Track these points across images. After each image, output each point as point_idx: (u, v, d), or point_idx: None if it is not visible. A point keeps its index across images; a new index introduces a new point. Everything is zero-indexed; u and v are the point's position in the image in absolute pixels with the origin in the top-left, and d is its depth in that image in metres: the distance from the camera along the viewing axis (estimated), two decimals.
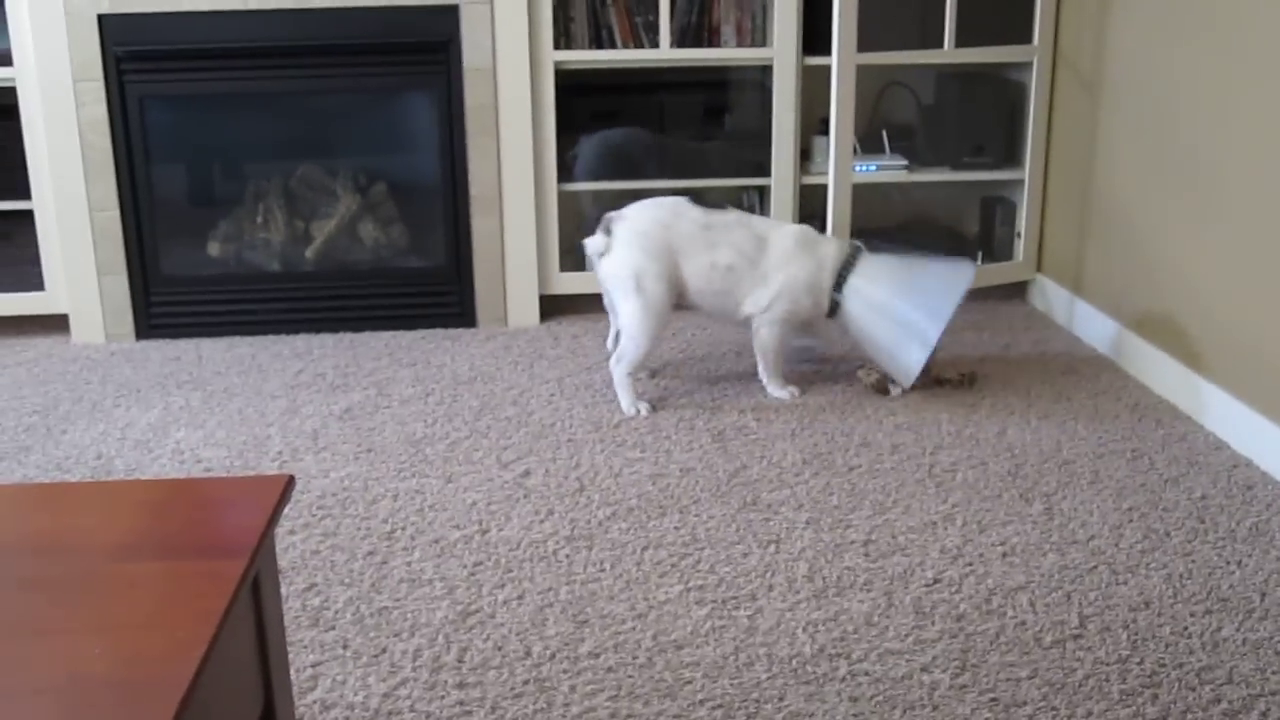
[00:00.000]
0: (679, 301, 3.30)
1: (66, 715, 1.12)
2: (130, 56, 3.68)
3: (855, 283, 3.28)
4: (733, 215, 3.32)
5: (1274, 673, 2.11)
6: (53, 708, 1.13)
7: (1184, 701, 2.04)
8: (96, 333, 3.87)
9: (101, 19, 3.64)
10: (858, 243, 3.36)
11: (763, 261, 3.27)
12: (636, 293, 3.21)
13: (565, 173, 3.96)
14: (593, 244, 3.27)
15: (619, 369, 3.28)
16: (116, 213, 3.78)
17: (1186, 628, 2.25)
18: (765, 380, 3.37)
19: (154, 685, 1.15)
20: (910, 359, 3.24)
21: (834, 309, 3.32)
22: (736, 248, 3.26)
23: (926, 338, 3.21)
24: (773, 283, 3.27)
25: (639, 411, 3.25)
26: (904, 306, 3.24)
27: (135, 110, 3.73)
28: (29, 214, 3.82)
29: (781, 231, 3.31)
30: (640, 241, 3.23)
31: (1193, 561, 2.48)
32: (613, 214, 3.28)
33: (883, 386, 3.34)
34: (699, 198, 4.14)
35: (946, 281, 3.26)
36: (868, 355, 3.35)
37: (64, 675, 1.17)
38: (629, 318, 3.24)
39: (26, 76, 3.68)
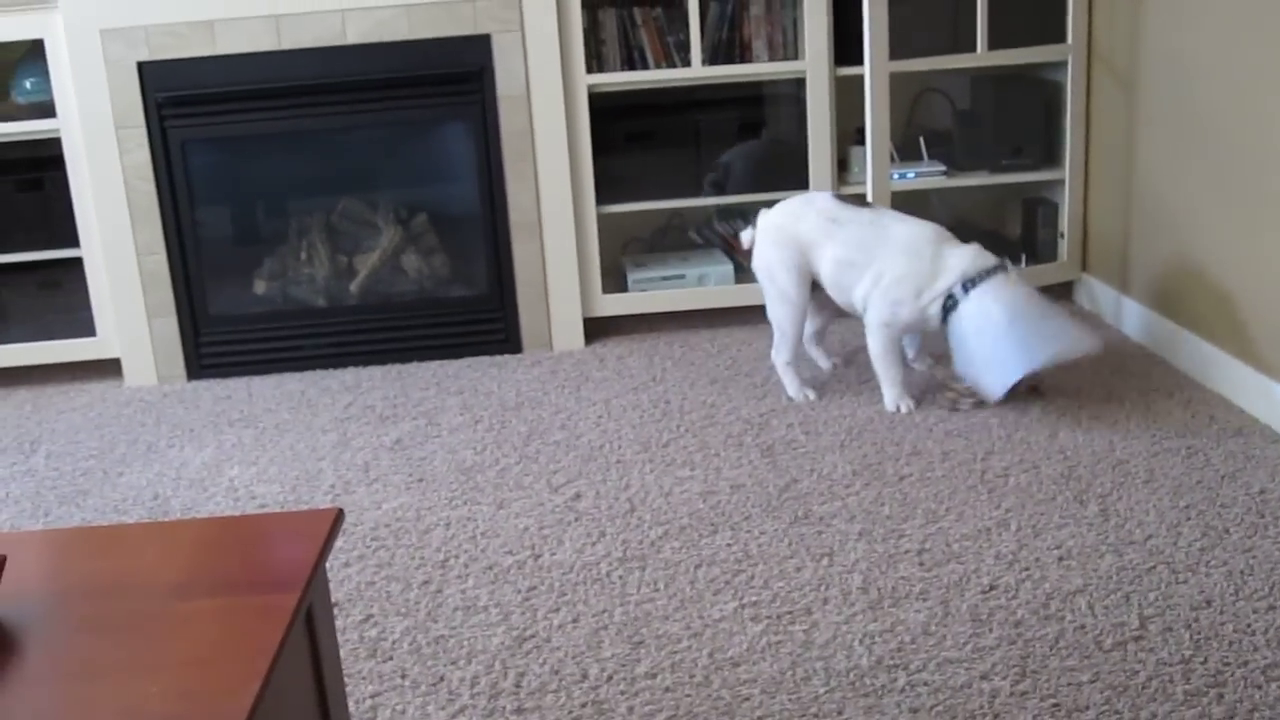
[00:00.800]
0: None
1: None
2: (170, 102, 3.74)
3: (979, 295, 3.14)
4: (867, 211, 3.32)
5: None
6: None
7: (1250, 700, 2.01)
8: (149, 375, 3.92)
9: (141, 66, 3.69)
10: (1003, 260, 3.24)
11: (879, 257, 3.24)
12: (770, 282, 3.40)
13: (608, 194, 3.97)
14: (745, 238, 3.46)
15: (777, 358, 3.43)
16: (164, 255, 3.84)
17: (1250, 625, 2.22)
18: (881, 388, 3.34)
19: None
20: (997, 379, 3.11)
21: (946, 315, 3.20)
22: (856, 242, 3.26)
23: (1020, 366, 3.08)
24: (879, 278, 3.24)
25: (806, 397, 3.39)
26: (1015, 332, 3.10)
27: (178, 154, 3.78)
28: (78, 261, 3.88)
29: (907, 228, 3.26)
30: (770, 234, 3.40)
31: (1254, 557, 2.45)
32: (763, 209, 3.41)
33: (954, 404, 3.29)
34: (740, 212, 4.15)
35: (1067, 334, 3.15)
36: (957, 368, 3.24)
37: (123, 715, 1.19)
38: (770, 306, 3.43)
39: (70, 125, 3.74)
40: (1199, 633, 2.21)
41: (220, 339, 3.93)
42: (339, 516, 1.54)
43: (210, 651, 1.28)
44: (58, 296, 4.18)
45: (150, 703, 1.20)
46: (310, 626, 1.49)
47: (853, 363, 3.65)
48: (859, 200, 3.42)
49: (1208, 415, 3.13)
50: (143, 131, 3.74)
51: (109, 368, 3.99)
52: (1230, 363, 3.21)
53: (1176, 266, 3.48)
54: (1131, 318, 3.74)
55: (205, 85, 3.73)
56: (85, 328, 3.93)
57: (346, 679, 2.22)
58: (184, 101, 3.75)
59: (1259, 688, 2.04)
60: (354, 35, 3.72)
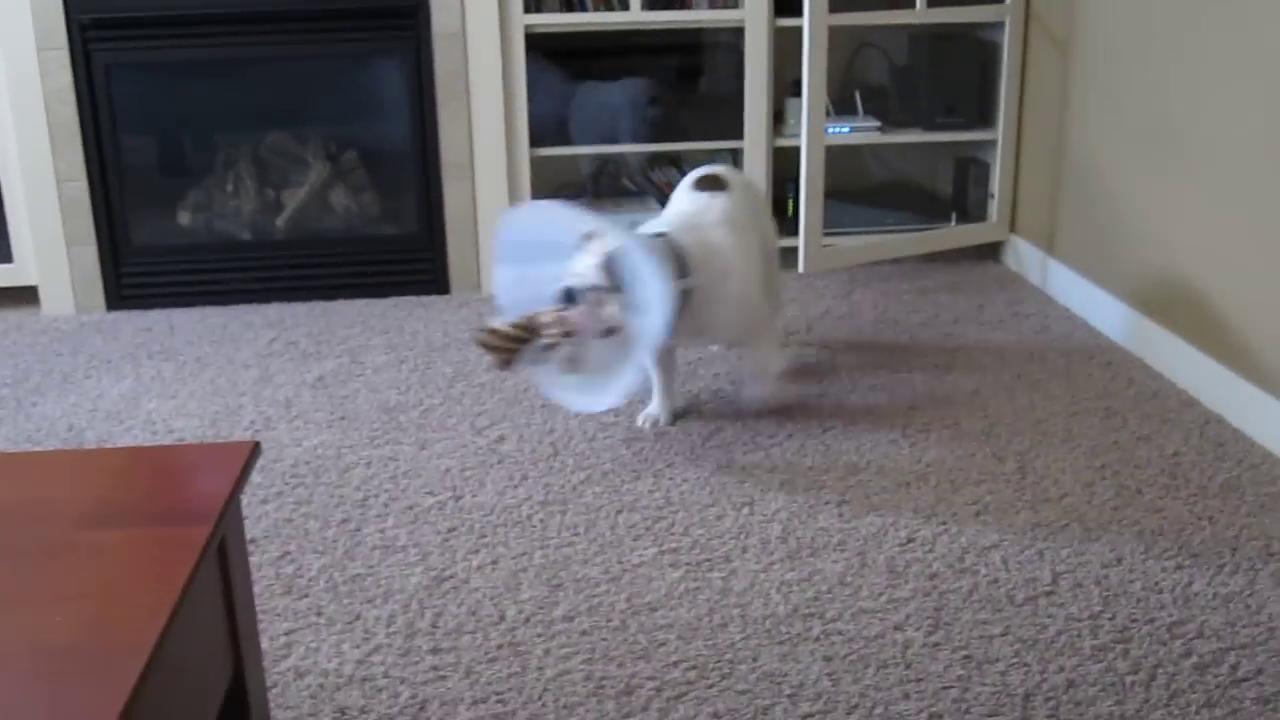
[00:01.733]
0: None
1: (30, 683, 1.11)
2: (95, 24, 3.64)
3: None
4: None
5: (1244, 626, 2.12)
6: (16, 676, 1.12)
7: (1155, 656, 2.05)
8: (66, 304, 3.84)
9: None
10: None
11: None
12: None
13: (542, 137, 3.93)
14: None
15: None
16: (84, 183, 3.75)
17: (1158, 583, 2.26)
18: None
19: (118, 652, 1.14)
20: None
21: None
22: None
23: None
24: None
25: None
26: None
27: (101, 78, 3.69)
28: None
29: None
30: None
31: (1164, 518, 2.49)
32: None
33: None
34: (674, 160, 4.14)
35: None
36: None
37: (28, 644, 1.17)
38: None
39: None
40: (1108, 590, 2.25)
41: (141, 269, 3.86)
42: (255, 449, 1.52)
43: (119, 582, 1.26)
44: None
45: (56, 632, 1.18)
46: (223, 560, 1.47)
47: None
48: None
49: (1127, 378, 3.18)
50: (65, 54, 3.64)
51: (25, 295, 3.91)
52: (1150, 327, 3.25)
53: (1103, 230, 3.52)
54: (1057, 280, 3.78)
55: (132, 8, 3.64)
56: (2, 254, 3.84)
57: (261, 616, 2.20)
58: (109, 24, 3.65)
59: (1164, 644, 2.08)
60: None
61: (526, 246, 2.71)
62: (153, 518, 1.39)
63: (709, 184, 2.97)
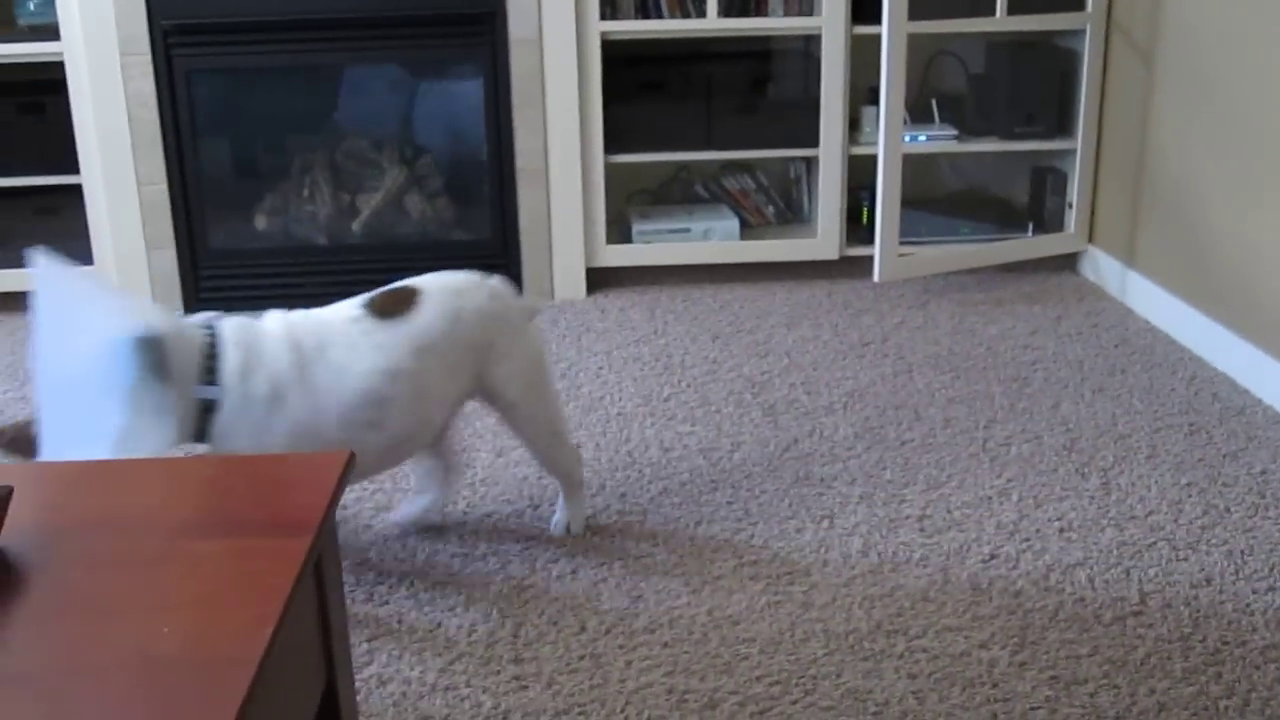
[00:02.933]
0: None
1: (139, 693, 1.12)
2: (177, 30, 3.68)
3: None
4: None
5: None
6: (125, 686, 1.13)
7: (1248, 680, 2.01)
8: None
9: None
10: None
11: None
12: None
13: (616, 143, 3.93)
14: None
15: None
16: (164, 187, 3.79)
17: (1249, 605, 2.22)
18: None
19: (224, 663, 1.14)
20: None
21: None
22: None
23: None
24: None
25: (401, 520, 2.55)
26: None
27: (182, 84, 3.73)
28: (77, 189, 3.84)
29: None
30: None
31: (1254, 538, 2.44)
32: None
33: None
34: (748, 167, 4.12)
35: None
36: None
37: (135, 653, 1.17)
38: None
39: (74, 51, 3.68)
40: (1198, 611, 2.21)
41: (219, 273, 3.90)
42: (350, 460, 1.52)
43: (222, 593, 1.26)
44: (55, 223, 4.14)
45: (162, 642, 1.18)
46: (318, 571, 1.47)
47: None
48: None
49: (1211, 393, 3.13)
50: (147, 59, 3.69)
51: None
52: (1236, 341, 3.20)
53: (1185, 242, 3.46)
54: (1137, 292, 3.72)
55: (213, 14, 3.68)
56: (83, 256, 3.89)
57: None
58: (191, 30, 3.69)
59: (1257, 668, 2.04)
60: None
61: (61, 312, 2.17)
62: (251, 528, 1.39)
63: (389, 305, 2.33)
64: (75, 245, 3.91)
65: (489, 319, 2.34)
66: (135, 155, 3.75)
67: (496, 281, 2.44)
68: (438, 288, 2.36)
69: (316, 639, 1.48)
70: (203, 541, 1.37)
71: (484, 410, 3.06)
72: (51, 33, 3.70)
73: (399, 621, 2.22)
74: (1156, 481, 2.68)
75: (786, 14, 3.91)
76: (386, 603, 2.28)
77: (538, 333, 2.45)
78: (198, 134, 3.80)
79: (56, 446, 2.09)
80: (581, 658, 2.10)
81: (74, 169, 3.80)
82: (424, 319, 2.29)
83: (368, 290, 3.89)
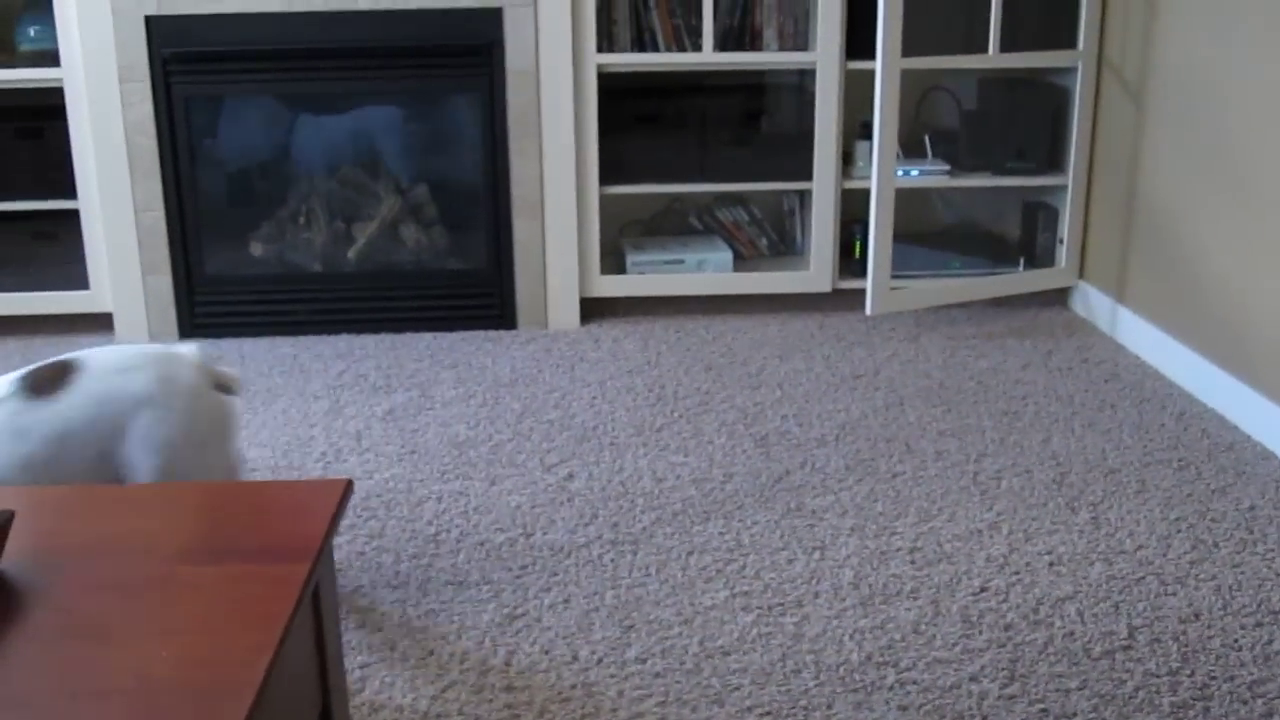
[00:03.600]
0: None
1: (137, 718, 1.13)
2: (176, 58, 3.70)
3: None
4: None
5: None
6: (123, 711, 1.14)
7: (1236, 715, 2.02)
8: (140, 332, 3.89)
9: (149, 20, 3.66)
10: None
11: None
12: None
13: (611, 175, 3.96)
14: None
15: None
16: (161, 213, 3.81)
17: (1237, 640, 2.24)
18: None
19: (223, 689, 1.15)
20: None
21: None
22: None
23: None
24: None
25: None
26: None
27: (181, 111, 3.75)
28: (75, 213, 3.85)
29: None
30: None
31: (1242, 573, 2.46)
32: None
33: None
34: (741, 200, 4.14)
35: None
36: None
37: (132, 678, 1.18)
38: None
39: (74, 76, 3.71)
40: (1186, 645, 2.22)
41: (214, 299, 3.91)
42: (348, 488, 1.54)
43: (221, 619, 1.28)
44: (52, 247, 4.16)
45: (161, 667, 1.19)
46: (315, 598, 1.49)
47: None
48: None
49: (1200, 429, 3.15)
50: (147, 86, 3.71)
51: (101, 322, 3.96)
52: (1224, 378, 3.22)
53: (1175, 279, 3.49)
54: (1127, 327, 3.75)
55: (212, 43, 3.71)
56: (79, 280, 3.90)
57: None
58: (190, 58, 3.71)
59: (1245, 703, 2.06)
60: (365, 1, 3.70)
61: None
62: (251, 554, 1.40)
63: (43, 382, 2.11)
64: (72, 270, 3.92)
65: (143, 403, 2.11)
66: (133, 181, 3.77)
67: (183, 354, 2.24)
68: (98, 365, 2.14)
69: (313, 665, 1.49)
70: (202, 567, 1.38)
71: (480, 439, 3.07)
72: (51, 59, 3.73)
73: (392, 649, 2.23)
74: (1145, 516, 2.69)
75: (781, 49, 3.95)
76: (380, 629, 2.29)
77: (217, 410, 2.22)
78: (195, 161, 3.82)
79: None
80: (574, 687, 2.11)
81: (72, 194, 3.82)
82: (70, 401, 2.09)
83: (362, 319, 3.93)
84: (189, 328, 3.91)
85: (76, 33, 3.66)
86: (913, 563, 2.51)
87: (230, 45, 3.71)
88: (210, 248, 3.91)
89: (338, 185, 4.07)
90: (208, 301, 3.91)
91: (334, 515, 1.47)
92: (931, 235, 4.34)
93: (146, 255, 3.83)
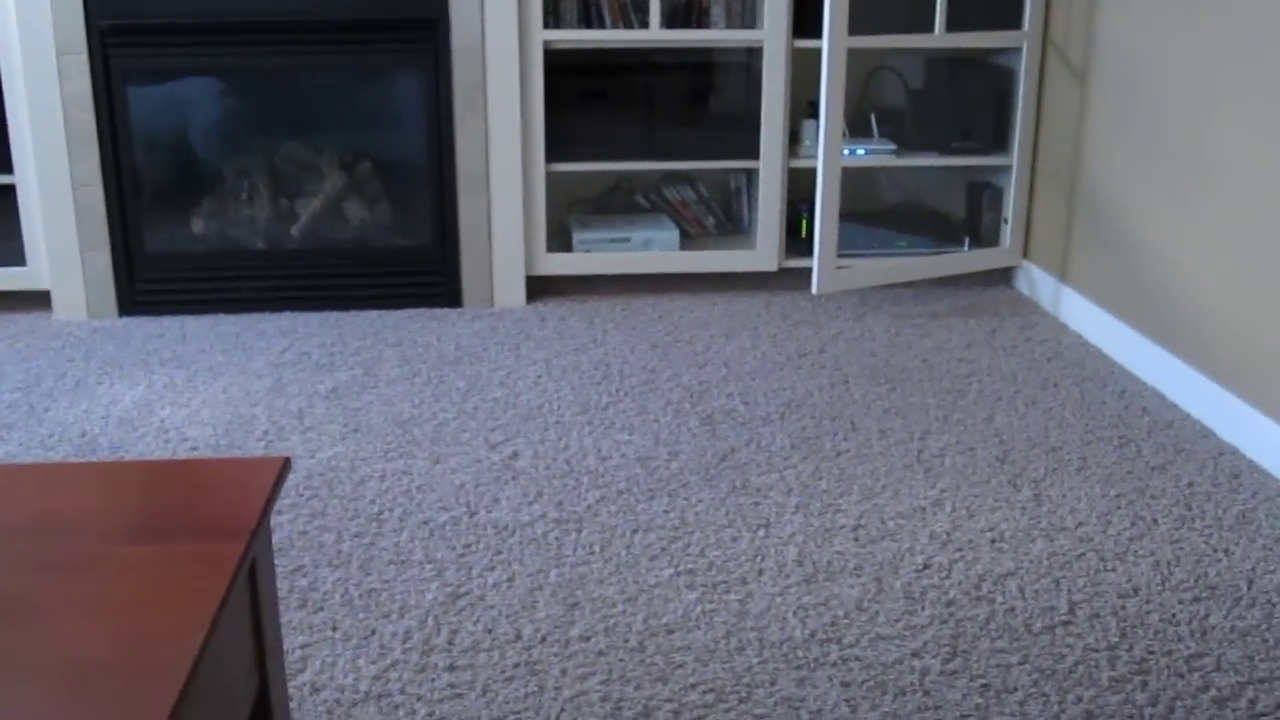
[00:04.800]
0: None
1: (66, 699, 1.11)
2: (115, 30, 3.64)
3: None
4: None
5: (1262, 660, 2.12)
6: (52, 691, 1.12)
7: (1173, 689, 2.05)
8: (79, 309, 3.83)
9: None
10: None
11: None
12: None
13: (557, 152, 3.93)
14: None
15: None
16: (100, 188, 3.75)
17: (1175, 615, 2.26)
18: None
19: (154, 669, 1.13)
20: None
21: None
22: None
23: None
24: None
25: None
26: None
27: (119, 85, 3.69)
28: (10, 189, 3.79)
29: None
30: None
31: (1180, 549, 2.49)
32: None
33: None
34: (689, 179, 4.14)
35: None
36: None
37: (63, 659, 1.16)
38: None
39: (9, 50, 3.64)
40: (1125, 620, 2.25)
41: (155, 276, 3.86)
42: (286, 465, 1.52)
43: (152, 598, 1.25)
44: None
45: (90, 648, 1.17)
46: (252, 577, 1.47)
47: (789, 338, 3.66)
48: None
49: (1140, 407, 3.18)
50: (84, 59, 3.65)
51: (38, 299, 3.90)
52: (1165, 356, 3.26)
53: (1116, 259, 3.52)
54: (1070, 306, 3.78)
55: (152, 16, 3.64)
56: (14, 257, 3.84)
57: None
58: (129, 30, 3.65)
59: (1181, 676, 2.08)
60: None
61: None
62: (185, 533, 1.38)
63: None
64: (7, 246, 3.85)
65: None
66: (70, 156, 3.71)
67: None
68: None
69: (249, 645, 1.47)
70: (136, 546, 1.36)
71: (424, 417, 3.05)
72: None
73: (333, 628, 2.21)
74: (1086, 493, 2.72)
75: (729, 26, 3.94)
76: (321, 609, 2.27)
77: None
78: (134, 136, 3.76)
79: None
80: (517, 665, 2.10)
81: (7, 169, 3.76)
82: None
83: (305, 296, 3.88)
84: (129, 305, 3.85)
85: (12, 4, 3.59)
86: (856, 540, 2.52)
87: (171, 18, 3.65)
88: (150, 224, 3.86)
89: (280, 161, 4.02)
90: (148, 279, 3.85)
91: (270, 493, 1.44)
92: (877, 214, 4.36)
93: (85, 232, 3.77)
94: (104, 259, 3.80)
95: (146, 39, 3.67)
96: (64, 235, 3.77)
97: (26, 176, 3.75)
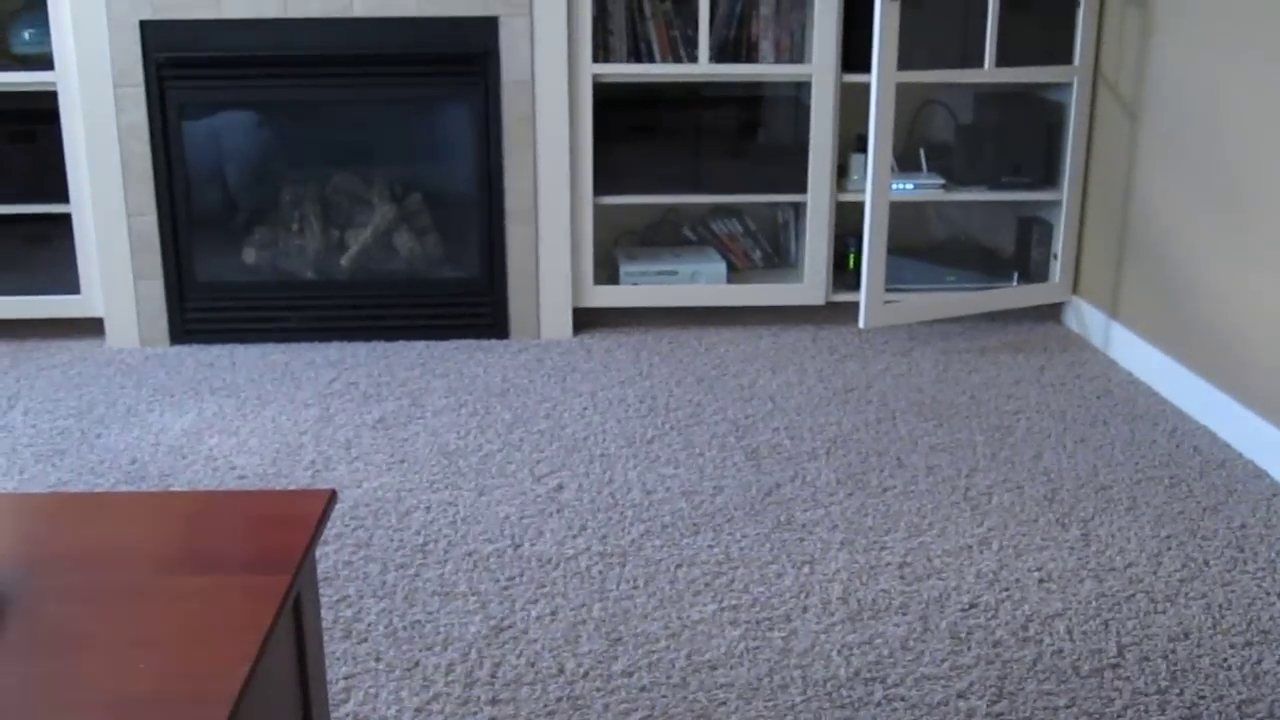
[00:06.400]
0: None
1: None
2: (171, 63, 3.70)
3: None
4: None
5: None
6: None
7: None
8: (131, 337, 3.88)
9: (144, 25, 3.65)
10: None
11: None
12: None
13: (605, 185, 3.95)
14: None
15: None
16: (154, 218, 3.80)
17: (1226, 660, 2.23)
18: None
19: (199, 702, 1.14)
20: None
21: None
22: None
23: None
24: None
25: None
26: None
27: (175, 116, 3.74)
28: (67, 217, 3.84)
29: None
30: None
31: (1232, 591, 2.45)
32: None
33: None
34: (736, 212, 4.14)
35: None
36: None
37: (110, 690, 1.17)
38: None
39: (68, 81, 3.70)
40: (1176, 664, 2.21)
41: (206, 305, 3.90)
42: (332, 498, 1.53)
43: (199, 630, 1.26)
44: (44, 251, 4.14)
45: (137, 680, 1.18)
46: (297, 609, 1.47)
47: (838, 373, 3.65)
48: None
49: (1192, 446, 3.14)
50: (141, 91, 3.70)
51: (92, 327, 3.95)
52: (1216, 395, 3.22)
53: (1168, 296, 3.49)
54: (1120, 343, 3.74)
55: (207, 49, 3.70)
56: (70, 285, 3.89)
57: None
58: (185, 64, 3.71)
59: None
60: (361, 9, 3.69)
61: None
62: (231, 565, 1.39)
63: None
64: (62, 274, 3.91)
65: None
66: (126, 186, 3.76)
67: None
68: None
69: (293, 677, 1.48)
70: (183, 577, 1.37)
71: (470, 448, 3.06)
72: (45, 62, 3.72)
73: (376, 659, 2.21)
74: (1136, 534, 2.69)
75: (777, 60, 3.94)
76: (365, 640, 2.27)
77: None
78: (189, 166, 3.81)
79: None
80: (559, 700, 2.10)
81: (64, 198, 3.81)
82: None
83: (354, 327, 3.91)
84: (180, 334, 3.89)
85: (71, 37, 3.65)
86: (902, 578, 2.50)
87: (225, 51, 3.70)
88: (202, 253, 3.90)
89: (331, 192, 4.06)
90: (199, 308, 3.89)
91: (316, 526, 1.45)
92: (926, 249, 4.34)
93: (138, 260, 3.82)
94: (157, 288, 3.85)
95: (202, 72, 3.72)
96: (118, 264, 3.82)
97: (82, 205, 3.80)
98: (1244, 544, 2.64)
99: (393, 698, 2.10)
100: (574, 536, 2.66)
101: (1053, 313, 4.15)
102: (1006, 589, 2.46)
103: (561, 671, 2.18)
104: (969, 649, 2.25)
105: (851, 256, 4.11)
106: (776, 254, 4.27)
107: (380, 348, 3.87)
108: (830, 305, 4.07)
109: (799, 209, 4.11)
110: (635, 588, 2.46)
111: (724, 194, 4.08)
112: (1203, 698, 2.12)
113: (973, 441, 3.16)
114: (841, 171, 4.08)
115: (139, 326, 3.87)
